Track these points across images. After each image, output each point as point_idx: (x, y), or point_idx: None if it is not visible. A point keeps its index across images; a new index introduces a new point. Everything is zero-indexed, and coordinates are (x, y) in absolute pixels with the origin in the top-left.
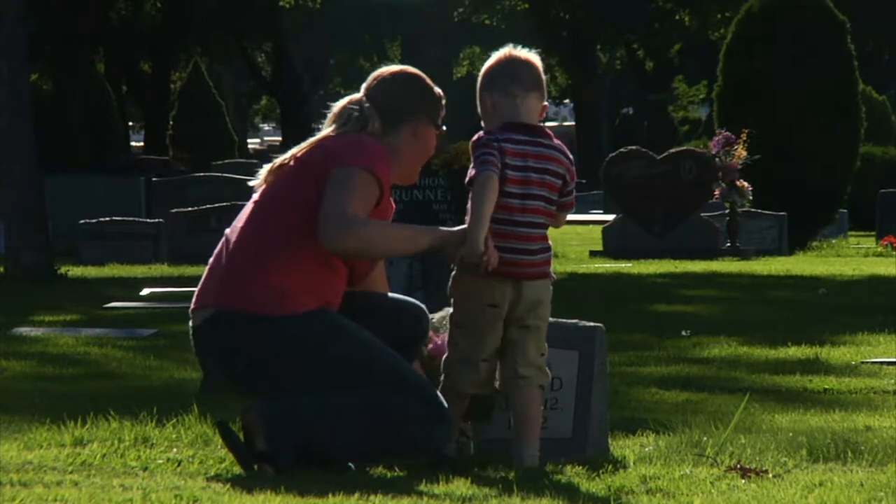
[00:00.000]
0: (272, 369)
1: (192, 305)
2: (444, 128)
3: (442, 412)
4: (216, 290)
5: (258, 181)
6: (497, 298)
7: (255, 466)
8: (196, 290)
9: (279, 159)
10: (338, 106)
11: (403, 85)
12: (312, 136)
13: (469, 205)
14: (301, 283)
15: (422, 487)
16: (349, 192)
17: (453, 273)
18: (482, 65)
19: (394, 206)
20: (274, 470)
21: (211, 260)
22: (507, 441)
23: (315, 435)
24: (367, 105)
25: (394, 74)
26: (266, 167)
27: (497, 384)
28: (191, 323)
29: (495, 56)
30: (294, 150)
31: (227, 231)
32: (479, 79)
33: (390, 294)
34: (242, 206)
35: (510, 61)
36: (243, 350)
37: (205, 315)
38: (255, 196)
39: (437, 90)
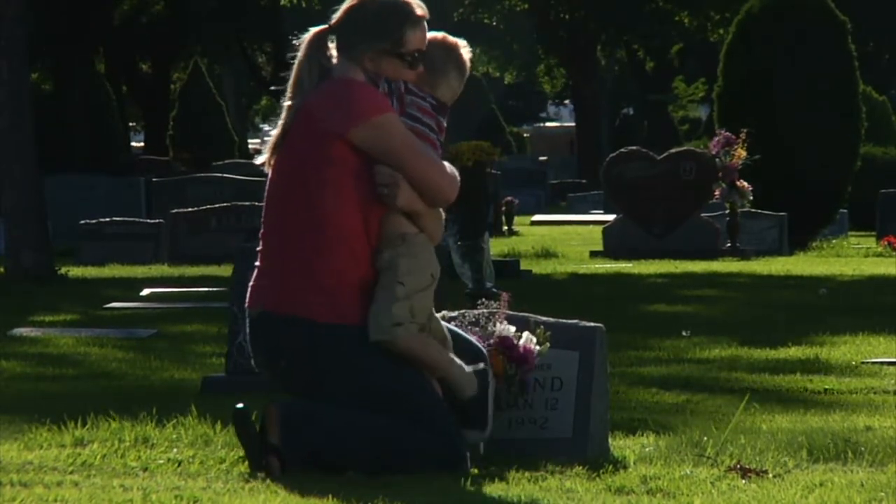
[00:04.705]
0: (311, 374)
1: (247, 301)
2: (413, 61)
3: (459, 461)
4: (267, 290)
5: (265, 157)
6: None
7: (262, 461)
8: (251, 283)
9: (277, 135)
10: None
11: (357, 12)
12: None
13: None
14: (350, 280)
15: (422, 488)
16: (415, 146)
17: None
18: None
19: None
20: (280, 465)
21: (258, 249)
22: (509, 441)
23: (328, 446)
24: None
25: (353, 3)
26: (269, 145)
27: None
28: (248, 315)
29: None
30: (286, 120)
31: (263, 218)
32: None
33: (453, 329)
34: (243, 206)
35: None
36: (288, 350)
37: (257, 312)
38: (272, 175)
39: (399, 7)
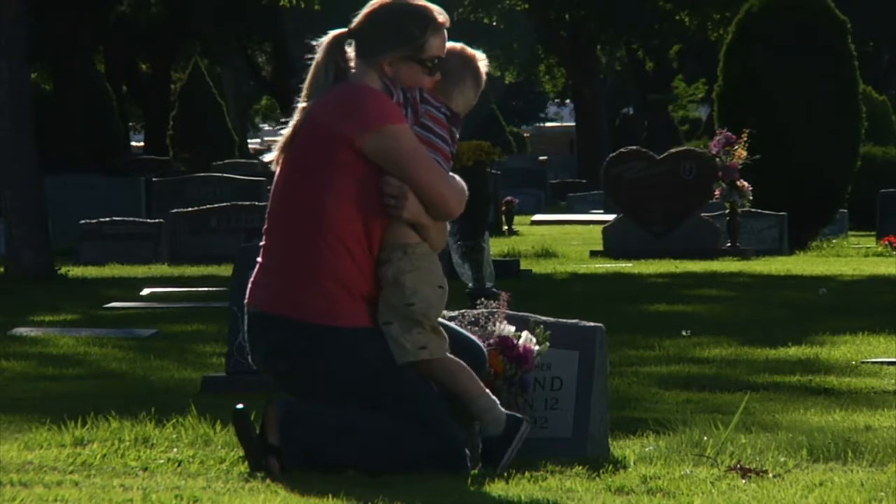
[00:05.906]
0: (310, 376)
1: (246, 298)
2: (433, 67)
3: (460, 463)
4: (267, 289)
5: (273, 156)
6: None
7: (262, 461)
8: (251, 279)
9: (287, 135)
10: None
11: (378, 17)
12: None
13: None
14: (349, 285)
15: (422, 488)
16: (424, 158)
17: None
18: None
19: None
20: (280, 466)
21: (262, 244)
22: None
23: (328, 446)
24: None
25: (374, 7)
26: (279, 144)
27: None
28: (246, 312)
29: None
30: (297, 121)
31: (267, 215)
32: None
33: (452, 327)
34: (243, 206)
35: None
36: (288, 353)
37: (255, 311)
38: (278, 174)
39: (422, 13)
